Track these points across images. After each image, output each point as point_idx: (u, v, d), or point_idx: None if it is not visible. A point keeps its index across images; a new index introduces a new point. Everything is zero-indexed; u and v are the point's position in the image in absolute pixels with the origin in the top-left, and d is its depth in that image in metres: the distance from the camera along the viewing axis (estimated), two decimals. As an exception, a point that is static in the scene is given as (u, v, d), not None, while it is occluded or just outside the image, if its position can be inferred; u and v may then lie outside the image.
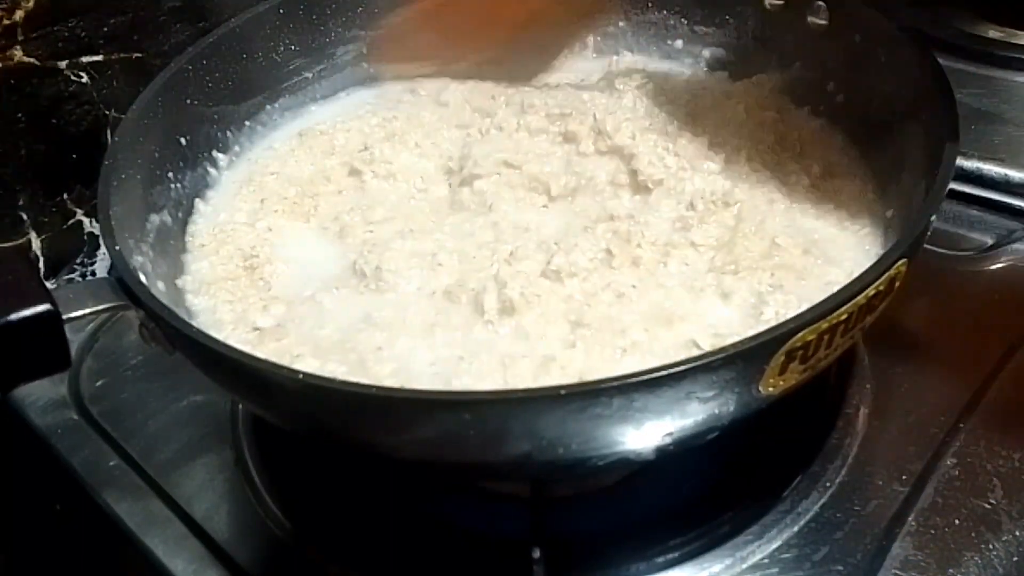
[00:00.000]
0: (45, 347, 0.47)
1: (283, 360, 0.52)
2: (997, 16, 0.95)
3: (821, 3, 0.68)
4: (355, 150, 0.71)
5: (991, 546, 0.54)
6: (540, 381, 0.51)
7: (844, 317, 0.44)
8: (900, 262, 0.46)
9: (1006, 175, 0.77)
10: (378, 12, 0.78)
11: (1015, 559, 0.53)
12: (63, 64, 0.79)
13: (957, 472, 0.58)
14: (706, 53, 0.77)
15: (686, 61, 0.78)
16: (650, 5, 0.79)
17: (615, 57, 0.79)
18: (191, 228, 0.66)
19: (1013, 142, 0.80)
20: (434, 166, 0.70)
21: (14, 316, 0.45)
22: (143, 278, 0.52)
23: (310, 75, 0.77)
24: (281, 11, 0.74)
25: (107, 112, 0.83)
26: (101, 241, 0.73)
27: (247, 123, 0.73)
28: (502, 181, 0.66)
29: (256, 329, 0.57)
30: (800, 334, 0.43)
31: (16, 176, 0.78)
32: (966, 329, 0.66)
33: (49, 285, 0.62)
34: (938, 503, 0.56)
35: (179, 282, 0.61)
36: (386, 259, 0.60)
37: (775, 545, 0.55)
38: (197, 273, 0.63)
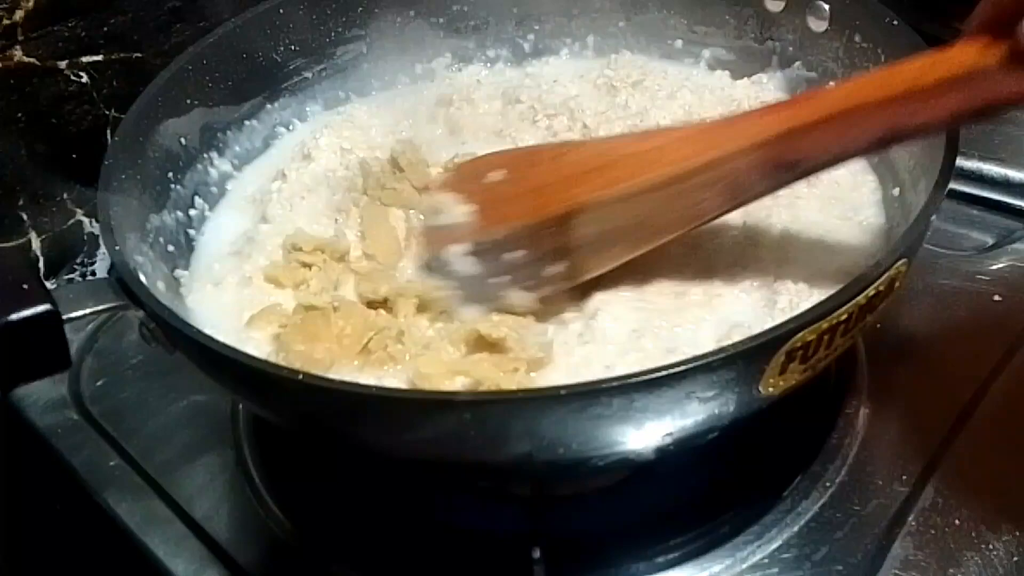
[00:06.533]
0: (45, 347, 0.47)
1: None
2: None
3: (822, 3, 0.68)
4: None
5: (991, 546, 0.54)
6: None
7: (844, 317, 0.44)
8: (900, 262, 0.46)
9: (1006, 175, 0.77)
10: (378, 12, 0.78)
11: (1015, 559, 0.53)
12: (63, 64, 0.78)
13: (957, 472, 0.58)
14: (706, 53, 0.77)
15: (686, 61, 0.78)
16: (650, 5, 0.79)
17: (615, 56, 0.79)
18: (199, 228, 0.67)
19: (1013, 142, 0.80)
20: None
21: (14, 316, 0.45)
22: (143, 278, 0.52)
23: (310, 75, 0.77)
24: (281, 11, 0.73)
25: (107, 112, 0.82)
26: (101, 241, 0.73)
27: (247, 123, 0.73)
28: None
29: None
30: (800, 334, 0.43)
31: (16, 176, 0.78)
32: (966, 329, 0.66)
33: (49, 285, 0.61)
34: (938, 503, 0.56)
35: (181, 281, 0.61)
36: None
37: (775, 545, 0.55)
38: (199, 271, 0.63)
